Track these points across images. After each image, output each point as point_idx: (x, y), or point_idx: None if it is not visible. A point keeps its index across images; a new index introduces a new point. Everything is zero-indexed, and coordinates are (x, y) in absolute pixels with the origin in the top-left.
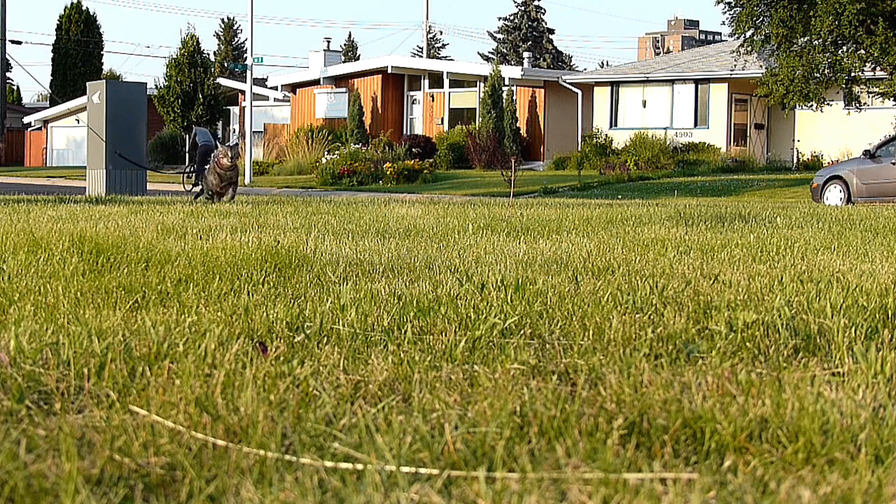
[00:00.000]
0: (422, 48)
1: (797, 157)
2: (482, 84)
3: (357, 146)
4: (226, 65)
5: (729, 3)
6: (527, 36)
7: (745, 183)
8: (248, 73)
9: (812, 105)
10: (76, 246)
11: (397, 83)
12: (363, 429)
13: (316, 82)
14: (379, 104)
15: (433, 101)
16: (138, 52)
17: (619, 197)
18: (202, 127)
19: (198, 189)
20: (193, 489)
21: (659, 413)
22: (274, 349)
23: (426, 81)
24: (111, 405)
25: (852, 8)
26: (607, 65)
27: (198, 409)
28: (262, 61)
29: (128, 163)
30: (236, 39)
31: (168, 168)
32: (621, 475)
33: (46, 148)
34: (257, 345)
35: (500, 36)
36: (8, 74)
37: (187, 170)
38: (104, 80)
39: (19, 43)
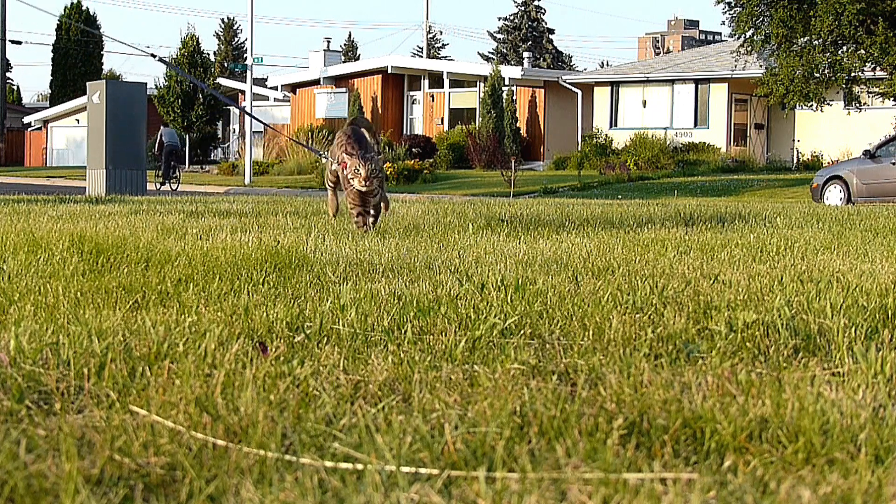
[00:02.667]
0: (422, 48)
1: (797, 157)
2: (482, 84)
3: None
4: (226, 65)
5: (729, 3)
6: (527, 36)
7: (745, 183)
8: (248, 73)
9: (812, 105)
10: (76, 246)
11: (397, 83)
12: (363, 429)
13: (316, 82)
14: (379, 104)
15: (433, 101)
16: (138, 53)
17: (619, 197)
18: (168, 127)
19: (166, 188)
20: (193, 489)
21: (659, 413)
22: (274, 349)
23: (426, 81)
24: (111, 405)
25: (852, 8)
26: (607, 65)
27: (198, 409)
28: (262, 61)
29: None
30: (236, 39)
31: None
32: (621, 475)
33: (46, 148)
34: (257, 345)
35: (500, 36)
36: (8, 74)
37: (157, 170)
38: (104, 80)
39: (19, 43)
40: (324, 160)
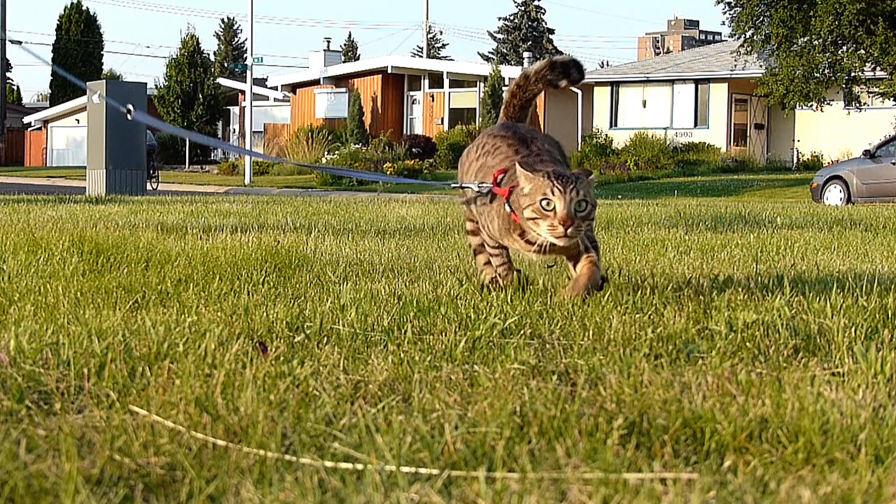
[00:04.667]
0: (422, 48)
1: (797, 157)
2: (482, 84)
3: (357, 146)
4: (226, 65)
5: (729, 3)
6: (527, 36)
7: (745, 183)
8: (248, 73)
9: (812, 105)
10: (76, 246)
11: (397, 83)
12: (363, 429)
13: (316, 82)
14: (379, 104)
15: (433, 101)
16: (138, 52)
17: (619, 197)
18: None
19: (148, 187)
20: (193, 489)
21: (659, 413)
22: (274, 349)
23: (426, 81)
24: (111, 405)
25: (852, 8)
26: (607, 65)
27: (198, 409)
28: (262, 61)
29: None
30: (236, 39)
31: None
32: (621, 475)
33: (46, 148)
34: (257, 345)
35: (500, 36)
36: (8, 74)
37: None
38: (104, 80)
39: (19, 43)
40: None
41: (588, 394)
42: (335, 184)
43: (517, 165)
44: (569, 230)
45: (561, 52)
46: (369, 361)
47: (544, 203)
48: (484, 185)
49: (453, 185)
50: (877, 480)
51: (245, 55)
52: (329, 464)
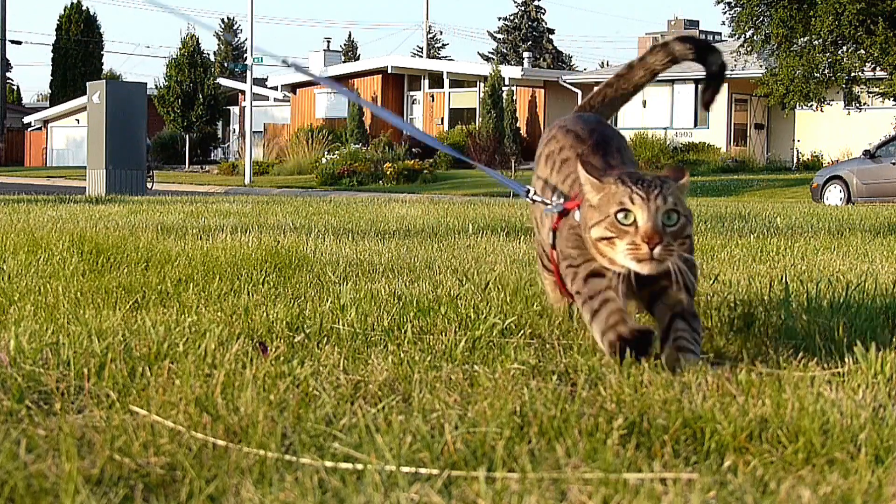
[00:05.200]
0: (422, 48)
1: (797, 157)
2: (482, 84)
3: (357, 146)
4: (226, 65)
5: (729, 3)
6: (527, 36)
7: (745, 183)
8: (248, 73)
9: (812, 105)
10: (76, 246)
11: (397, 83)
12: (363, 429)
13: (316, 82)
14: (379, 104)
15: (433, 101)
16: (138, 52)
17: None
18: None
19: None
20: (193, 489)
21: (659, 413)
22: (274, 349)
23: (426, 81)
24: (111, 405)
25: (852, 8)
26: (607, 65)
27: (198, 409)
28: (262, 61)
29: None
30: (236, 39)
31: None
32: (621, 475)
33: (46, 148)
34: (257, 345)
35: (500, 36)
36: (8, 74)
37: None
38: (104, 80)
39: (19, 43)
40: (529, 198)
41: (588, 394)
42: (335, 184)
43: (579, 168)
44: (655, 250)
45: (561, 52)
46: (369, 361)
47: (621, 216)
48: (555, 205)
49: (531, 196)
50: (877, 480)
51: (245, 55)
52: (329, 464)
